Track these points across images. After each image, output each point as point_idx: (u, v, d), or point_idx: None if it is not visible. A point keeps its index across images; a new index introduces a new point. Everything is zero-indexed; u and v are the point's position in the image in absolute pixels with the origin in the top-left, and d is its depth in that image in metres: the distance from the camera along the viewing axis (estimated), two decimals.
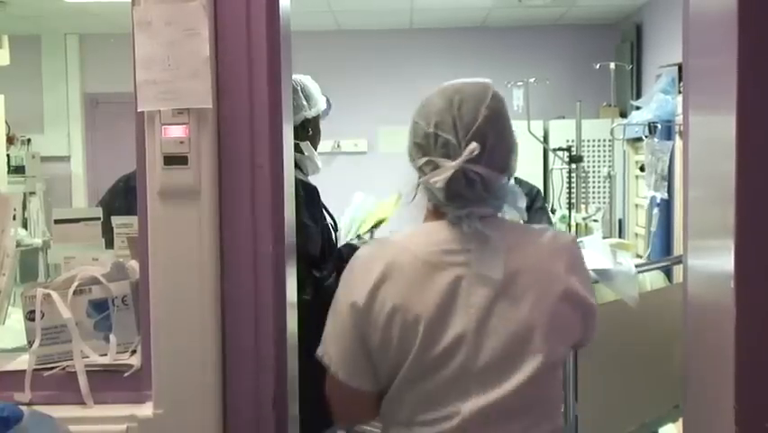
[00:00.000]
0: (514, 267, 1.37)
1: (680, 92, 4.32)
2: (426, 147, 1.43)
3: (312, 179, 2.44)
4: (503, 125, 1.42)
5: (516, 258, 1.38)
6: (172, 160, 1.54)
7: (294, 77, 2.23)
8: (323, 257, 2.29)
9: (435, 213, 1.46)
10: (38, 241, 4.91)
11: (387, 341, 1.38)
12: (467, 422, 1.36)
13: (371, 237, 2.78)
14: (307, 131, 2.43)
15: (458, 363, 1.36)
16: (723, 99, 1.02)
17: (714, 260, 1.14)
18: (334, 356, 1.44)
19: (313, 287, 2.23)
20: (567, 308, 1.40)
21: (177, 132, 1.53)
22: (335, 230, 2.48)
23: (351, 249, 2.46)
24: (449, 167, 1.36)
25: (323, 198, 2.41)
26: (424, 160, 1.43)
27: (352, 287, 1.42)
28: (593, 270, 2.36)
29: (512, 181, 1.51)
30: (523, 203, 1.46)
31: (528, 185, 4.22)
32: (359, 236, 2.65)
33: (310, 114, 2.43)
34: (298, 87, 2.39)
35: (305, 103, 2.41)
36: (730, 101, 0.94)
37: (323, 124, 2.53)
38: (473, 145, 1.35)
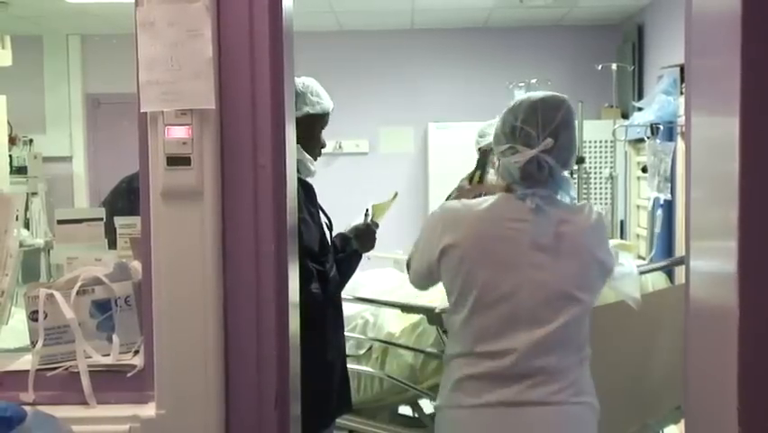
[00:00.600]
0: (561, 234, 1.82)
1: (681, 93, 4.32)
2: (511, 137, 1.85)
3: (312, 180, 2.43)
4: (571, 131, 1.86)
5: (563, 228, 1.83)
6: (175, 160, 1.54)
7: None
8: (321, 252, 2.30)
9: (507, 189, 1.91)
10: (40, 241, 4.90)
11: (455, 279, 1.85)
12: (517, 354, 1.78)
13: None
14: (314, 129, 2.40)
15: (512, 306, 1.80)
16: (726, 100, 1.02)
17: (716, 260, 1.14)
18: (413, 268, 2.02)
19: (318, 280, 2.24)
20: (596, 269, 1.88)
21: (180, 132, 1.53)
22: (330, 229, 2.48)
23: (343, 239, 2.47)
24: (528, 153, 1.80)
25: (320, 198, 2.41)
26: (506, 146, 1.86)
27: (436, 228, 1.90)
28: None
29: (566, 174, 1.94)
30: (574, 192, 1.92)
31: None
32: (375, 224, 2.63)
33: (297, 115, 2.38)
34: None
35: (314, 99, 2.39)
36: (733, 102, 0.94)
37: None
38: (549, 140, 1.80)
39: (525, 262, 1.81)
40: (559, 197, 1.89)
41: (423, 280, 2.04)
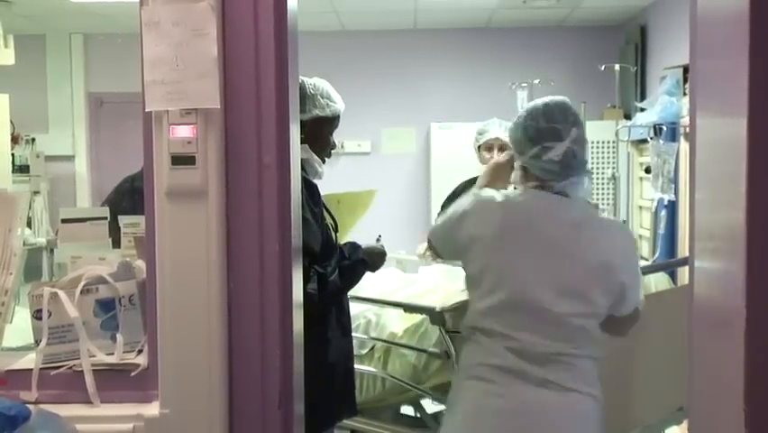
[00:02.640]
0: (582, 236, 1.93)
1: (685, 94, 4.32)
2: (538, 138, 1.96)
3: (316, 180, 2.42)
4: (582, 127, 2.01)
5: (574, 227, 1.94)
6: (180, 160, 1.54)
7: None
8: (323, 254, 2.29)
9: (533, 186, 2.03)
10: (42, 240, 4.92)
11: (473, 260, 2.02)
12: (522, 343, 1.90)
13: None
14: (322, 130, 2.39)
15: (518, 291, 1.92)
16: (733, 101, 1.02)
17: (722, 261, 1.14)
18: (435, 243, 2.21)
19: (316, 281, 2.23)
20: (605, 273, 1.93)
21: (184, 132, 1.53)
22: (335, 230, 2.48)
23: (352, 247, 2.46)
24: (562, 145, 1.94)
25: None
26: (538, 147, 1.97)
27: (465, 215, 2.04)
28: None
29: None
30: (590, 186, 2.05)
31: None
32: (378, 238, 2.65)
33: (305, 117, 2.34)
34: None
35: (324, 101, 2.37)
36: (741, 103, 0.94)
37: None
38: (575, 130, 1.95)
39: (534, 251, 1.94)
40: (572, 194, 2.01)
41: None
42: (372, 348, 3.14)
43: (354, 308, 3.13)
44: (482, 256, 2.00)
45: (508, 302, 1.94)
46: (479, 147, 3.61)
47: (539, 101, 2.06)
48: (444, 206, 3.56)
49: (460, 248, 2.06)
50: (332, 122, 2.42)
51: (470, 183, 3.47)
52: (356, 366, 2.84)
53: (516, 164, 2.08)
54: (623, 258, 1.99)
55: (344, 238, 2.63)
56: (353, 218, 2.88)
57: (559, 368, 1.91)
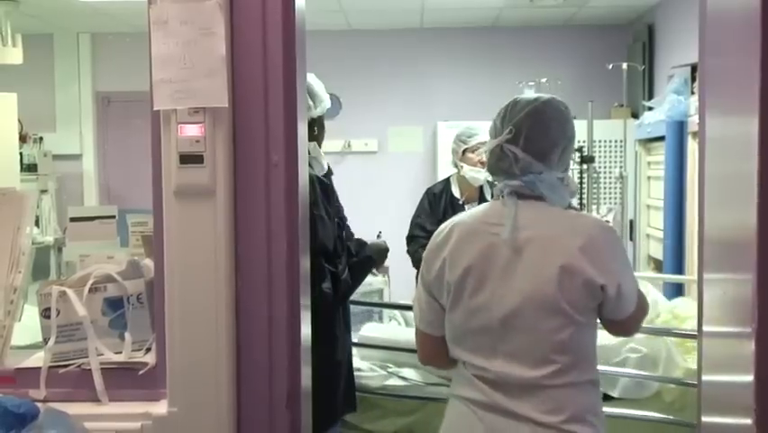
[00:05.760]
0: (528, 238, 1.68)
1: (693, 93, 4.30)
2: (491, 134, 1.81)
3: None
4: (546, 124, 1.75)
5: (534, 231, 1.68)
6: (188, 158, 1.54)
7: None
8: (335, 252, 2.30)
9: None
10: (50, 239, 4.93)
11: (440, 289, 1.76)
12: (495, 373, 1.69)
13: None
14: (313, 130, 2.37)
15: (488, 316, 1.69)
16: (743, 100, 1.02)
17: (732, 261, 1.14)
18: (417, 313, 1.85)
19: (330, 280, 2.24)
20: (567, 279, 1.65)
21: (192, 130, 1.54)
22: (342, 229, 2.48)
23: (358, 244, 2.47)
24: (492, 142, 1.77)
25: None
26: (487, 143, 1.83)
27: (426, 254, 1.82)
28: None
29: (565, 174, 1.81)
30: (566, 193, 1.78)
31: None
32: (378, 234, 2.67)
33: (315, 113, 2.37)
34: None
35: (310, 102, 2.34)
36: (752, 101, 0.94)
37: (332, 124, 2.50)
38: (509, 128, 1.74)
39: (496, 267, 1.69)
40: (549, 202, 1.74)
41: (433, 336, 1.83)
42: None
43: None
44: (448, 277, 1.74)
45: (478, 326, 1.71)
46: (464, 151, 3.64)
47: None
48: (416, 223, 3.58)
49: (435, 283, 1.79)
50: (320, 118, 2.44)
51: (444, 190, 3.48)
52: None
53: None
54: (587, 256, 1.64)
55: None
56: None
57: (537, 400, 1.66)
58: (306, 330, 1.73)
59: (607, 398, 2.78)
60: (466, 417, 1.73)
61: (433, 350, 1.85)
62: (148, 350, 1.67)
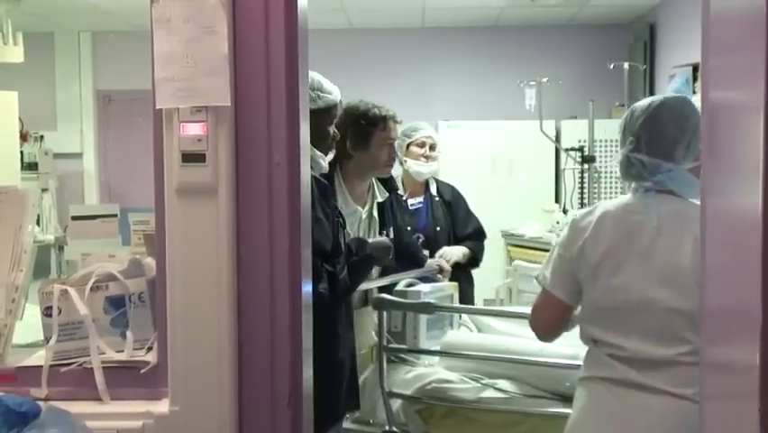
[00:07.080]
0: (664, 227, 1.84)
1: (694, 92, 4.30)
2: (620, 144, 1.97)
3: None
4: (662, 126, 1.89)
5: (669, 222, 1.84)
6: (190, 157, 1.54)
7: None
8: (333, 252, 2.29)
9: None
10: (50, 237, 4.93)
11: (578, 264, 1.89)
12: (629, 351, 1.81)
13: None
14: (318, 125, 2.30)
15: (624, 296, 1.83)
16: (748, 99, 1.01)
17: (735, 260, 1.13)
18: (550, 280, 1.95)
19: (327, 280, 2.23)
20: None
21: (195, 129, 1.53)
22: (343, 228, 2.47)
23: (359, 243, 2.46)
24: (618, 155, 1.95)
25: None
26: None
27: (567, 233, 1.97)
28: None
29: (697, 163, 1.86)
30: (692, 184, 1.83)
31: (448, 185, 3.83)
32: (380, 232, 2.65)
33: (319, 104, 2.30)
34: None
35: (313, 95, 2.30)
36: (757, 102, 0.93)
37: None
38: (630, 139, 1.91)
39: (638, 250, 1.84)
40: (683, 196, 1.89)
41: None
42: None
43: None
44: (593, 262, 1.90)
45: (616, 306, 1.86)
46: (408, 144, 3.58)
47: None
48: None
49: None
50: (326, 113, 2.35)
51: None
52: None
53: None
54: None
55: None
56: None
57: (669, 374, 1.79)
58: (308, 328, 1.73)
59: None
60: (601, 395, 1.86)
61: (557, 315, 1.97)
62: (149, 349, 1.67)
